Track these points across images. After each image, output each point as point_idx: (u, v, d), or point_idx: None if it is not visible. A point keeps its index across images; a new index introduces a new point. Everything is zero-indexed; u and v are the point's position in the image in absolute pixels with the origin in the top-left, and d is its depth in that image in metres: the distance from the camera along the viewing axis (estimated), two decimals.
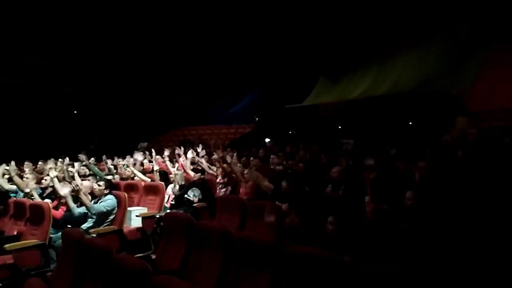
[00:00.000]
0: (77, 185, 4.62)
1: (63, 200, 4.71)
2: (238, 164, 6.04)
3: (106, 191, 4.83)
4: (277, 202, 4.04)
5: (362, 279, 2.20)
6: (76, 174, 5.27)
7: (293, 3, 12.52)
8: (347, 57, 14.31)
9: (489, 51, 9.81)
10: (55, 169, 5.28)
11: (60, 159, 8.22)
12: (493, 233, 2.62)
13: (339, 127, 11.66)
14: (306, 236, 3.03)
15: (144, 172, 6.87)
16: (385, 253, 2.85)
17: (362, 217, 3.21)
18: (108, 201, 4.72)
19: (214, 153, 6.81)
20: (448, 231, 2.73)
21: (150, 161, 7.78)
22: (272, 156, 6.80)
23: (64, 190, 4.50)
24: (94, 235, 4.20)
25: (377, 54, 13.40)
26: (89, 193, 4.83)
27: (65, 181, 5.02)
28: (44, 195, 5.24)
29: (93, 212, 4.57)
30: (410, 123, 11.17)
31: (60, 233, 3.89)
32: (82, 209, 4.62)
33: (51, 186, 5.19)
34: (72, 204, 4.52)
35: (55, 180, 4.77)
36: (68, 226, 4.43)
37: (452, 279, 2.40)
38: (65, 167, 6.20)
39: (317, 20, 13.23)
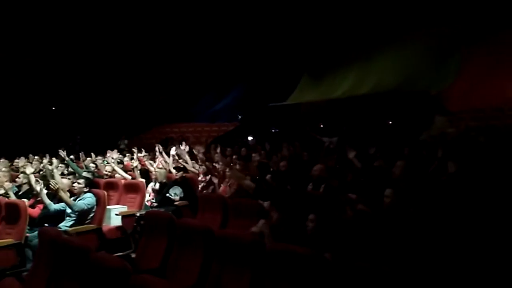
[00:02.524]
0: (56, 183, 4.53)
1: (39, 198, 4.61)
2: (220, 163, 6.02)
3: (85, 189, 4.74)
4: (259, 201, 4.05)
5: (342, 276, 2.22)
6: (55, 171, 5.14)
7: (276, 1, 12.53)
8: (330, 55, 14.43)
9: (468, 49, 10.04)
10: (31, 165, 5.16)
11: (37, 157, 8.06)
12: (471, 230, 2.68)
13: (321, 125, 11.76)
14: (287, 233, 3.04)
15: (125, 170, 6.78)
16: (365, 250, 2.89)
17: (342, 215, 3.25)
18: (88, 199, 4.64)
19: (194, 150, 6.78)
20: (427, 228, 2.79)
21: (132, 158, 7.70)
22: (253, 155, 6.81)
23: (38, 187, 4.42)
24: (72, 233, 4.12)
25: (360, 53, 13.55)
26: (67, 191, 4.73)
27: (37, 179, 4.88)
28: (20, 193, 5.11)
29: (76, 210, 4.48)
30: (390, 122, 11.36)
31: (36, 232, 3.81)
32: (59, 206, 4.53)
33: (25, 183, 5.07)
34: (47, 201, 4.43)
35: (32, 176, 4.66)
36: (46, 224, 4.34)
37: (431, 274, 2.45)
38: (45, 165, 6.07)
39: (300, 19, 13.29)
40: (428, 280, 2.25)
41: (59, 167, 6.55)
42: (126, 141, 13.39)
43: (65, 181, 4.97)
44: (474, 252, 2.43)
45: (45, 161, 6.87)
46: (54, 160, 5.93)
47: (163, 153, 7.25)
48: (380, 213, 3.08)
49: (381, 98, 11.39)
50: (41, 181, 4.76)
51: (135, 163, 6.38)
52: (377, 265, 2.23)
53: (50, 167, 5.84)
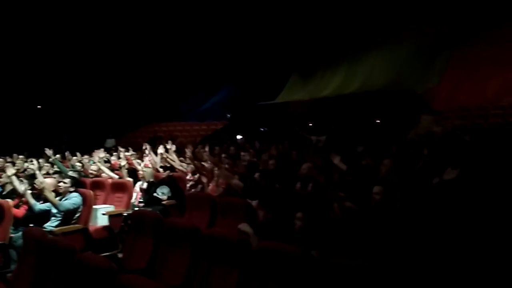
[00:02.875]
0: (41, 183, 4.46)
1: (24, 199, 4.53)
2: (209, 162, 6.01)
3: (71, 189, 4.67)
4: (247, 200, 4.05)
5: (329, 274, 2.23)
6: (37, 172, 5.06)
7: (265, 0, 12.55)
8: (318, 55, 14.51)
9: (453, 51, 10.20)
10: (13, 166, 5.07)
11: (22, 156, 7.94)
12: (459, 229, 2.71)
13: (310, 124, 11.82)
14: (275, 232, 3.05)
15: (111, 169, 6.71)
16: (352, 248, 2.91)
17: (329, 213, 3.27)
18: (74, 199, 4.58)
19: (186, 150, 6.75)
20: (413, 225, 2.81)
21: (120, 157, 7.63)
22: (242, 153, 6.80)
23: (22, 187, 4.34)
24: (57, 234, 4.06)
25: (348, 52, 13.66)
26: (52, 191, 4.66)
27: (21, 179, 4.81)
28: (4, 193, 5.02)
29: (62, 209, 4.42)
30: (378, 121, 11.47)
31: (21, 233, 3.74)
32: (44, 206, 4.46)
33: (8, 183, 4.98)
34: (32, 201, 4.37)
35: (13, 178, 4.57)
36: (31, 225, 4.27)
37: (417, 271, 2.47)
38: (26, 165, 5.97)
39: (289, 18, 13.33)
40: (415, 277, 2.28)
41: (44, 167, 6.46)
42: (113, 140, 13.24)
43: (50, 180, 4.89)
44: (462, 250, 2.46)
45: (27, 163, 6.76)
46: (35, 161, 5.82)
47: (151, 152, 7.20)
48: (367, 210, 3.10)
49: (368, 97, 11.50)
50: (26, 181, 4.68)
51: (123, 162, 6.32)
52: (365, 262, 2.24)
53: (32, 167, 5.75)
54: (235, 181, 4.47)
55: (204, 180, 5.63)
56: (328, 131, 9.58)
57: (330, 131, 9.71)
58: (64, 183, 4.66)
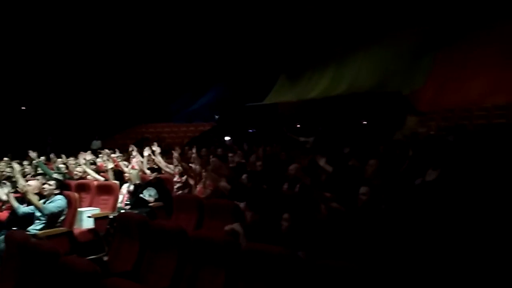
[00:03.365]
0: (24, 186, 4.38)
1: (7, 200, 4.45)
2: (196, 163, 5.97)
3: (56, 191, 4.60)
4: (235, 201, 4.04)
5: (316, 274, 2.24)
6: (18, 175, 4.95)
7: (254, 1, 12.57)
8: (306, 56, 14.59)
9: (438, 51, 10.37)
10: None
11: (6, 158, 7.79)
12: (444, 230, 2.75)
13: (298, 125, 11.87)
14: (262, 233, 3.05)
15: (97, 170, 6.62)
16: (338, 249, 2.93)
17: (316, 214, 3.28)
18: (58, 201, 4.51)
19: (173, 151, 6.70)
20: (399, 225, 2.84)
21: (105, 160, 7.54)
22: (230, 155, 6.78)
23: (5, 190, 4.27)
24: (41, 237, 3.99)
25: (335, 54, 13.77)
26: (36, 193, 4.58)
27: (4, 182, 4.72)
28: None
29: (46, 213, 4.34)
30: (365, 122, 11.60)
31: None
32: (28, 209, 4.38)
33: None
34: (15, 204, 4.29)
35: None
36: (14, 228, 4.19)
37: (402, 271, 2.50)
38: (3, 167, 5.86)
39: (277, 20, 13.38)
40: (401, 277, 2.30)
41: (26, 169, 6.35)
42: (99, 142, 13.09)
43: (35, 182, 4.81)
44: (447, 249, 2.50)
45: (3, 165, 6.64)
46: (15, 164, 5.69)
47: (138, 154, 7.14)
48: (354, 211, 3.13)
49: (355, 99, 11.61)
50: (8, 183, 4.60)
51: (110, 164, 6.25)
52: (351, 263, 2.26)
53: (7, 170, 5.64)
54: (223, 183, 4.46)
55: (192, 182, 5.60)
56: (315, 133, 9.63)
57: (318, 133, 9.77)
58: (49, 185, 4.59)
